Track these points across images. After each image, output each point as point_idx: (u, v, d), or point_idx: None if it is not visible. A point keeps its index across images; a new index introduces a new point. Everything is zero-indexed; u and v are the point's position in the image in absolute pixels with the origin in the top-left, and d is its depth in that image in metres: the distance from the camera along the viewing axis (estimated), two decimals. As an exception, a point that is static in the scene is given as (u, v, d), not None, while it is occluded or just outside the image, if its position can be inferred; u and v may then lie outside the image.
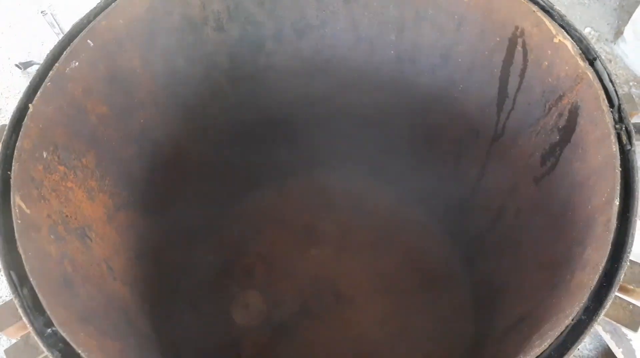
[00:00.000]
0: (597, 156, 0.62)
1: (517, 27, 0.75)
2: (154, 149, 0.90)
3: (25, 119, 0.61)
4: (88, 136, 0.74)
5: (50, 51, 0.67)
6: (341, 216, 1.21)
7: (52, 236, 0.62)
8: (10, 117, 0.61)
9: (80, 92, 0.70)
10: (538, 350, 0.51)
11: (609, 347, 1.16)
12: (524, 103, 0.81)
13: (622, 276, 0.53)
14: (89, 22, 0.70)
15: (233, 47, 0.92)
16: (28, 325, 0.50)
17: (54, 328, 0.50)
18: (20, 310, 0.50)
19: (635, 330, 0.53)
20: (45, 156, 0.64)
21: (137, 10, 0.75)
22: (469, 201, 1.07)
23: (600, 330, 1.13)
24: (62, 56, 0.66)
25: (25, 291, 0.51)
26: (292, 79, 1.02)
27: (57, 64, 0.66)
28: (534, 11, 0.70)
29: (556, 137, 0.74)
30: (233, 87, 0.99)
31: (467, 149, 1.00)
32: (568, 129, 0.71)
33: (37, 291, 0.51)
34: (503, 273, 0.92)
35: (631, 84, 1.52)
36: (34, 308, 0.51)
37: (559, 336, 0.51)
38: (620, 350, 1.09)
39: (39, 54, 1.72)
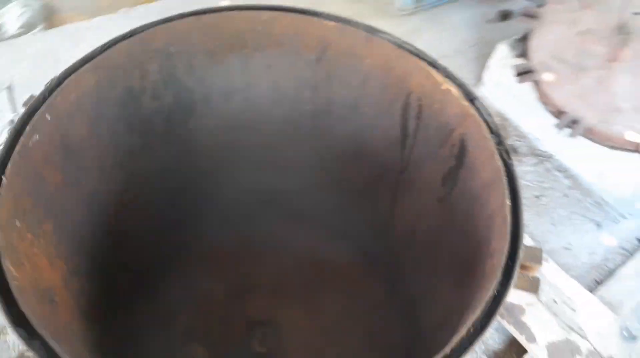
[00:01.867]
0: (487, 171, 0.81)
1: (411, 80, 0.94)
2: (100, 212, 0.95)
3: (1, 189, 0.65)
4: (46, 204, 0.78)
5: (14, 126, 0.72)
6: (272, 263, 1.31)
7: (34, 299, 0.65)
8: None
9: (41, 163, 0.75)
10: (467, 325, 0.65)
11: (513, 337, 1.37)
12: (422, 139, 1.00)
13: (521, 256, 0.70)
14: (45, 98, 0.76)
15: (167, 113, 1.02)
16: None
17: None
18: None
19: (535, 292, 0.70)
20: (17, 224, 0.68)
21: (87, 85, 0.82)
22: (386, 229, 1.23)
23: (505, 323, 1.33)
24: (26, 130, 0.72)
25: (37, 344, 0.54)
26: (221, 136, 1.13)
27: (22, 138, 0.71)
28: (423, 66, 0.90)
29: (452, 162, 0.93)
30: (167, 150, 1.07)
31: (379, 183, 1.16)
32: (461, 155, 0.91)
33: (50, 344, 0.55)
34: (425, 282, 1.08)
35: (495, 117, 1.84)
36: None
37: (484, 308, 0.66)
38: (523, 336, 1.30)
39: None
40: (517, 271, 0.69)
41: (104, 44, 0.85)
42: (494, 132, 0.81)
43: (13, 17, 2.19)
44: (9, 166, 0.68)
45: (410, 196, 1.12)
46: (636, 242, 1.67)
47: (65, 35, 2.06)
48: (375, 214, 1.23)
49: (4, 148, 0.69)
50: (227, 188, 1.22)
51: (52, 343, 0.55)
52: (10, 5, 2.25)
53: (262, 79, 1.06)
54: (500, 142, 0.80)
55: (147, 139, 1.01)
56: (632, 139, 1.54)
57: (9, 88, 1.82)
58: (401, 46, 0.93)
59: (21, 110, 0.74)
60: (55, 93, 0.77)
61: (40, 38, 2.04)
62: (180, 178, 1.14)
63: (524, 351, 1.36)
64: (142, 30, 0.88)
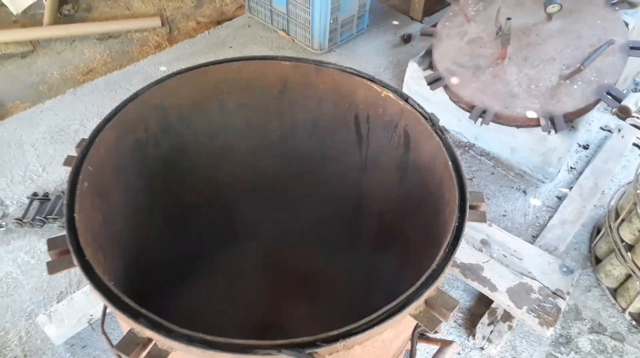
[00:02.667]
0: (429, 147, 1.08)
1: (357, 94, 1.21)
2: (122, 249, 1.11)
3: (76, 222, 0.84)
4: (95, 238, 0.95)
5: (69, 177, 0.90)
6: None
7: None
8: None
9: (89, 206, 0.93)
10: (443, 247, 0.89)
11: (479, 293, 1.63)
12: (374, 138, 1.27)
13: (468, 198, 0.96)
14: (85, 153, 0.95)
15: (165, 157, 1.22)
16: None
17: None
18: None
19: (484, 221, 0.96)
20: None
21: (110, 140, 1.02)
22: (357, 220, 1.47)
23: (469, 281, 1.59)
24: (79, 178, 0.90)
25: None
26: (206, 171, 1.34)
27: (78, 186, 0.89)
28: (364, 82, 1.17)
29: (402, 149, 1.20)
30: (166, 188, 1.27)
31: (345, 183, 1.41)
32: (407, 142, 1.18)
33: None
34: (400, 256, 1.32)
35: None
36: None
37: (451, 235, 0.91)
38: (487, 288, 1.56)
39: None
40: (468, 208, 0.94)
41: (117, 106, 1.05)
42: (427, 118, 1.09)
43: (-42, 116, 2.29)
44: (76, 207, 0.86)
45: (374, 187, 1.37)
46: (556, 199, 2.01)
47: (22, 122, 2.19)
48: (345, 210, 1.47)
49: (68, 191, 0.87)
50: (212, 215, 1.41)
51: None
52: (-48, 106, 2.34)
53: (237, 117, 1.29)
54: (433, 124, 1.07)
55: (150, 181, 1.20)
56: (531, 116, 1.89)
57: (-19, 177, 1.92)
58: (344, 70, 1.20)
59: (74, 147, 0.93)
60: (92, 148, 0.96)
61: (-2, 129, 2.16)
62: (178, 212, 1.33)
63: (491, 301, 1.63)
64: (143, 92, 1.09)
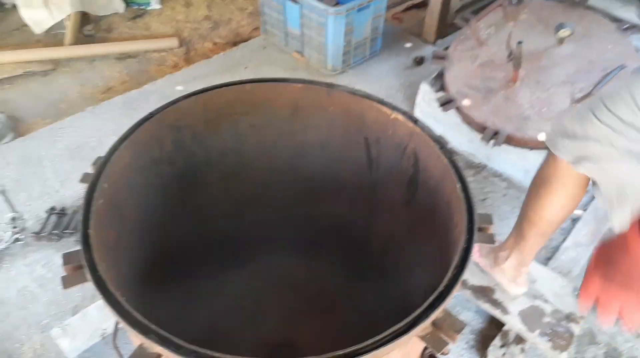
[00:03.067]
0: (438, 169, 1.09)
1: (366, 116, 1.23)
2: (137, 264, 1.14)
3: (90, 237, 0.86)
4: (109, 254, 0.98)
5: (85, 194, 0.93)
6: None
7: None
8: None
9: (104, 222, 0.96)
10: (451, 269, 0.90)
11: (491, 315, 1.62)
12: (384, 160, 1.29)
13: (477, 220, 0.97)
14: (101, 171, 0.98)
15: (180, 176, 1.25)
16: None
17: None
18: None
19: (492, 243, 0.97)
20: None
21: (125, 158, 1.05)
22: (366, 241, 1.48)
23: (481, 304, 1.59)
24: (94, 195, 0.93)
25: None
26: (219, 190, 1.36)
27: (93, 202, 0.92)
28: (374, 104, 1.19)
29: (410, 171, 1.22)
30: (180, 206, 1.30)
31: (355, 203, 1.42)
32: (416, 164, 1.19)
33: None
34: (409, 278, 1.32)
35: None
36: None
37: (459, 257, 0.91)
38: (498, 310, 1.55)
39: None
40: (476, 229, 0.95)
41: (133, 126, 1.08)
42: (436, 140, 1.10)
43: (-19, 131, 2.35)
44: (91, 223, 0.89)
45: (382, 208, 1.38)
46: (570, 221, 2.00)
47: (42, 138, 2.25)
48: (356, 231, 1.48)
49: (84, 207, 0.90)
50: (225, 232, 1.43)
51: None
52: (-25, 121, 2.41)
53: (249, 137, 1.32)
54: (442, 146, 1.09)
55: (165, 199, 1.23)
56: (543, 139, 1.89)
57: (2, 191, 1.97)
58: (354, 92, 1.22)
59: (90, 164, 0.97)
60: (107, 166, 0.99)
61: (19, 144, 2.22)
62: (192, 229, 1.35)
63: (503, 324, 1.61)
64: (158, 112, 1.12)
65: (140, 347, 0.78)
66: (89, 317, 1.55)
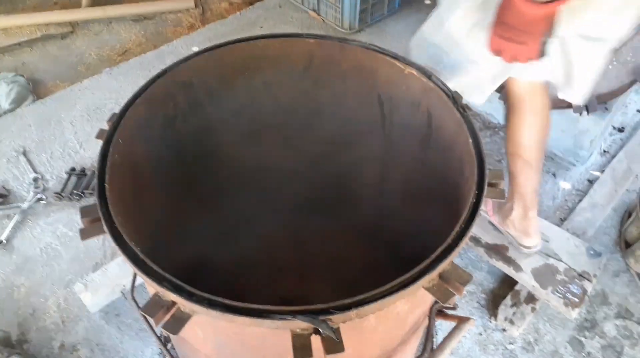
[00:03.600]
0: (451, 125, 1.08)
1: (380, 71, 1.21)
2: (151, 218, 1.16)
3: (106, 191, 0.88)
4: (123, 206, 1.00)
5: (100, 150, 0.95)
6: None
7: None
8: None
9: (120, 177, 0.98)
10: (459, 223, 0.90)
11: (503, 275, 1.63)
12: (398, 117, 1.27)
13: (487, 175, 0.96)
14: (116, 126, 1.00)
15: (194, 133, 1.26)
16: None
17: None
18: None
19: (502, 198, 0.96)
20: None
21: (140, 114, 1.06)
22: (380, 200, 1.48)
23: (494, 262, 1.59)
24: (109, 151, 0.95)
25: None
26: (234, 148, 1.37)
27: (108, 157, 0.94)
28: (388, 59, 1.18)
29: (424, 128, 1.20)
30: (196, 164, 1.31)
31: (369, 162, 1.42)
32: (429, 121, 1.18)
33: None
34: (421, 236, 1.32)
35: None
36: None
37: (468, 211, 0.91)
38: (511, 268, 1.56)
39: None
40: (486, 184, 0.94)
41: (147, 82, 1.09)
42: (450, 95, 1.08)
43: (2, 94, 2.40)
44: (107, 177, 0.91)
45: (395, 166, 1.38)
46: (587, 183, 1.97)
47: (61, 100, 2.28)
48: (368, 190, 1.49)
49: (99, 162, 0.92)
50: (241, 190, 1.45)
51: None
52: (-4, 84, 2.45)
53: (263, 94, 1.32)
54: (455, 101, 1.07)
55: (180, 157, 1.24)
56: (563, 98, 1.84)
57: (24, 153, 2.02)
58: (368, 47, 1.20)
59: (105, 126, 0.98)
60: (122, 122, 1.00)
61: (39, 106, 2.26)
62: (205, 187, 1.37)
63: (514, 283, 1.62)
64: (171, 69, 1.12)
65: (155, 295, 0.81)
66: (109, 273, 1.60)
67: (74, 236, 1.79)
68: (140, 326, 1.57)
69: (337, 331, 0.76)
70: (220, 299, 0.76)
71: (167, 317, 0.79)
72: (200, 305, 0.76)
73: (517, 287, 1.62)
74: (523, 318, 1.55)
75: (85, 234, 0.90)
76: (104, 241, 1.76)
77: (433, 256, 0.83)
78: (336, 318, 0.76)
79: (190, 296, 0.77)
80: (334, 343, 0.75)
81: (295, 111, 1.37)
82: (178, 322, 0.78)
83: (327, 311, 0.75)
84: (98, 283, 1.58)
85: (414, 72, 1.15)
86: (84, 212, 0.92)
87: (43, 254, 1.75)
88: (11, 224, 1.80)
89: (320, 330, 0.75)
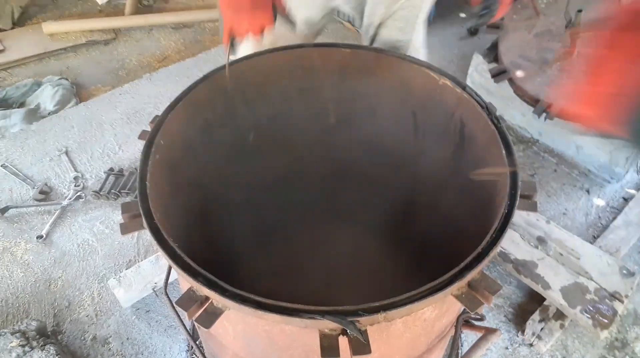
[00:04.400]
0: (484, 136, 1.09)
1: (414, 82, 1.23)
2: (186, 218, 1.20)
3: (147, 189, 0.92)
4: (161, 204, 1.04)
5: (143, 150, 0.99)
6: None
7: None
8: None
9: (160, 176, 1.02)
10: (490, 233, 0.90)
11: (531, 290, 1.61)
12: (430, 126, 1.29)
13: (520, 187, 0.96)
14: (158, 128, 1.04)
15: (231, 137, 1.30)
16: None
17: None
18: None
19: (535, 210, 0.96)
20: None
21: (181, 118, 1.10)
22: (410, 208, 1.49)
23: (522, 278, 1.58)
24: (151, 151, 0.99)
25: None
26: (268, 154, 1.40)
27: (151, 156, 0.98)
28: (422, 70, 1.19)
29: (457, 139, 1.21)
30: (231, 168, 1.35)
31: (400, 170, 1.43)
32: (462, 131, 1.19)
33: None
34: (451, 246, 1.33)
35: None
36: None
37: (500, 221, 0.92)
38: (539, 285, 1.54)
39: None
40: (518, 196, 0.95)
41: (188, 87, 1.13)
42: (484, 107, 1.09)
43: (48, 97, 2.50)
44: (148, 175, 0.95)
45: (427, 176, 1.39)
46: (622, 200, 1.93)
47: (102, 103, 2.37)
48: (399, 199, 1.50)
49: (141, 161, 0.97)
50: (272, 196, 1.48)
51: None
52: (42, 87, 2.56)
53: (297, 102, 1.35)
54: (489, 112, 1.08)
55: (217, 159, 1.28)
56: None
57: (67, 152, 2.11)
58: (403, 58, 1.22)
59: (148, 127, 1.03)
60: (164, 124, 1.05)
61: (82, 109, 2.35)
62: (244, 190, 1.41)
63: (543, 299, 1.60)
64: (211, 75, 1.17)
65: (190, 290, 0.84)
66: (142, 270, 1.65)
67: (109, 233, 1.85)
68: (169, 323, 1.61)
69: (364, 333, 0.77)
70: (252, 296, 0.79)
71: (200, 311, 0.82)
72: (233, 300, 0.78)
73: (545, 302, 1.60)
74: (551, 334, 1.53)
75: (125, 229, 0.94)
76: (138, 239, 1.82)
77: (463, 264, 0.84)
78: (364, 321, 0.77)
79: (223, 292, 0.80)
80: (361, 345, 0.76)
81: (328, 120, 1.39)
82: (211, 317, 0.81)
83: (356, 313, 0.77)
84: (131, 279, 1.63)
85: (448, 82, 1.16)
86: (125, 208, 0.96)
87: (80, 249, 1.82)
88: (51, 220, 1.88)
89: (348, 331, 0.77)
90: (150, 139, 1.02)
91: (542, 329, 1.54)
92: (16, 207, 1.91)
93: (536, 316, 1.57)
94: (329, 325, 0.77)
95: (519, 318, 1.61)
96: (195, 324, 0.84)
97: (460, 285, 0.82)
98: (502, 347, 1.54)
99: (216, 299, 0.81)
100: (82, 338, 1.58)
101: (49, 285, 1.71)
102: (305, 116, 1.38)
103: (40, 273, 1.75)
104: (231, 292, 0.80)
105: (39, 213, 1.92)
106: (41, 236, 1.83)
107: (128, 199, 1.95)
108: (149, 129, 1.07)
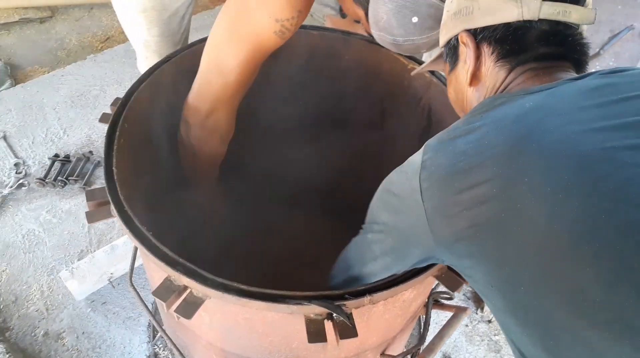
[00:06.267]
0: (453, 118, 1.10)
1: (382, 66, 1.23)
2: (153, 204, 1.15)
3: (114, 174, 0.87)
4: (126, 189, 0.99)
5: (107, 133, 0.93)
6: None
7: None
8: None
9: (125, 161, 0.97)
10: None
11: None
12: (398, 111, 1.30)
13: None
14: (121, 112, 0.98)
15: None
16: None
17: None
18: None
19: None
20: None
21: (145, 99, 1.05)
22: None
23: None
24: (116, 133, 0.94)
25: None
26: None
27: (115, 140, 0.93)
28: (391, 54, 1.19)
29: (424, 122, 1.23)
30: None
31: (366, 157, 1.44)
32: (429, 115, 1.21)
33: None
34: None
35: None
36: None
37: None
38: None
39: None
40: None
41: (151, 68, 1.07)
42: (453, 91, 1.11)
43: (-22, 78, 2.31)
44: (114, 160, 0.90)
45: (394, 160, 1.40)
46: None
47: (43, 85, 2.22)
48: (364, 186, 1.50)
49: (106, 146, 0.91)
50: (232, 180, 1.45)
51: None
52: (-29, 68, 2.37)
53: (262, 86, 1.31)
54: (458, 97, 1.10)
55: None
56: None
57: (5, 137, 1.96)
58: (372, 41, 1.21)
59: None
60: (127, 107, 0.99)
61: (19, 91, 2.19)
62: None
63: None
64: (175, 56, 1.12)
65: (167, 280, 0.81)
66: (96, 261, 1.57)
67: (57, 223, 1.75)
68: (128, 314, 1.55)
69: (350, 316, 0.77)
70: (235, 284, 0.77)
71: (180, 300, 0.79)
72: (215, 289, 0.76)
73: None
74: (507, 311, 1.60)
75: (92, 217, 0.89)
76: (90, 228, 1.73)
77: (442, 245, 0.85)
78: (350, 304, 0.77)
79: (204, 281, 0.77)
80: (347, 329, 0.76)
81: (294, 104, 1.37)
82: (191, 307, 0.78)
83: (342, 297, 0.77)
84: (85, 270, 1.55)
85: (417, 67, 1.17)
86: (90, 195, 0.91)
87: (25, 240, 1.71)
88: (-9, 210, 1.75)
89: (334, 315, 0.77)
90: (113, 122, 0.96)
91: (499, 306, 1.60)
92: (-50, 197, 1.77)
93: (493, 294, 1.63)
94: (315, 310, 0.76)
95: (477, 296, 1.67)
96: (173, 314, 0.80)
97: (440, 267, 0.84)
98: (462, 325, 1.60)
99: (196, 288, 0.78)
100: (33, 334, 1.49)
101: (-8, 280, 1.60)
102: (270, 99, 1.35)
103: (-19, 268, 1.63)
104: (212, 281, 0.77)
105: (-24, 203, 1.78)
106: (-20, 228, 1.70)
107: (76, 186, 1.85)
108: (110, 107, 1.02)
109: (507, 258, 0.56)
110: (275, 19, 0.97)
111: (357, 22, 1.12)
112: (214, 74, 1.06)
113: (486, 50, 0.73)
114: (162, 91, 1.12)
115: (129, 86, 1.04)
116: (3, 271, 1.62)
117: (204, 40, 1.17)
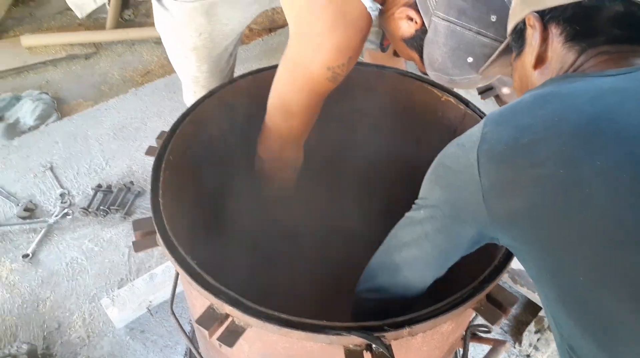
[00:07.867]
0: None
1: (416, 98, 1.25)
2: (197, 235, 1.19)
3: (161, 205, 0.91)
4: (171, 220, 1.02)
5: (153, 165, 0.98)
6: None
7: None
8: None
9: (170, 192, 1.01)
10: (504, 249, 0.93)
11: (527, 301, 1.64)
12: (433, 143, 1.31)
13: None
14: (166, 145, 1.03)
15: (232, 153, 1.29)
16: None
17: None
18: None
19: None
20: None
21: (189, 133, 1.09)
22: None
23: (518, 287, 1.61)
24: (162, 165, 0.98)
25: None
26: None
27: (161, 173, 0.97)
28: (424, 86, 1.22)
29: (459, 153, 1.23)
30: (237, 183, 1.34)
31: (402, 184, 1.45)
32: (465, 146, 1.21)
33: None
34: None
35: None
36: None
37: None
38: (536, 293, 1.57)
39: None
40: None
41: (195, 103, 1.12)
42: (488, 122, 1.12)
43: (27, 111, 2.44)
44: (160, 191, 0.94)
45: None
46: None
47: (87, 118, 2.32)
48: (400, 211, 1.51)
49: (152, 177, 0.95)
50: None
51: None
52: (22, 101, 2.50)
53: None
54: (494, 128, 1.11)
55: (222, 175, 1.27)
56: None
57: (52, 168, 2.06)
58: (405, 74, 1.24)
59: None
60: (172, 140, 1.03)
61: (65, 124, 2.30)
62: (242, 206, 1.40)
63: (537, 310, 1.63)
64: (217, 91, 1.16)
65: (210, 308, 0.83)
66: (136, 289, 1.62)
67: (99, 251, 1.80)
68: (165, 343, 1.58)
69: (390, 348, 0.77)
70: (277, 313, 0.78)
71: (222, 329, 0.81)
72: (257, 318, 0.78)
73: (541, 313, 1.63)
74: (547, 345, 1.55)
75: (138, 247, 0.92)
76: (129, 257, 1.78)
77: (481, 277, 0.85)
78: (389, 335, 0.77)
79: (246, 310, 0.79)
80: (386, 360, 0.76)
81: (329, 136, 1.40)
82: (233, 335, 0.80)
83: (381, 328, 0.77)
84: (125, 298, 1.59)
85: (451, 99, 1.19)
86: (137, 225, 0.95)
87: (69, 268, 1.76)
88: (37, 238, 1.82)
89: (373, 346, 0.77)
90: (159, 155, 1.01)
91: (538, 340, 1.56)
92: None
93: (532, 327, 1.59)
94: (354, 340, 0.77)
95: (515, 329, 1.64)
96: (215, 343, 0.82)
97: (479, 298, 0.84)
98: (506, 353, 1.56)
99: (238, 317, 0.80)
100: (74, 360, 1.53)
101: (37, 306, 1.66)
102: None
103: (27, 294, 1.69)
104: (254, 309, 0.79)
105: (24, 231, 1.86)
106: (27, 256, 1.77)
107: (117, 215, 1.91)
108: (155, 140, 1.06)
109: (567, 245, 0.53)
110: (328, 67, 1.02)
111: (397, 56, 1.15)
112: (280, 118, 1.16)
113: (554, 31, 0.68)
114: (205, 125, 1.16)
115: (169, 119, 1.09)
116: (47, 298, 1.68)
117: (246, 76, 1.22)
